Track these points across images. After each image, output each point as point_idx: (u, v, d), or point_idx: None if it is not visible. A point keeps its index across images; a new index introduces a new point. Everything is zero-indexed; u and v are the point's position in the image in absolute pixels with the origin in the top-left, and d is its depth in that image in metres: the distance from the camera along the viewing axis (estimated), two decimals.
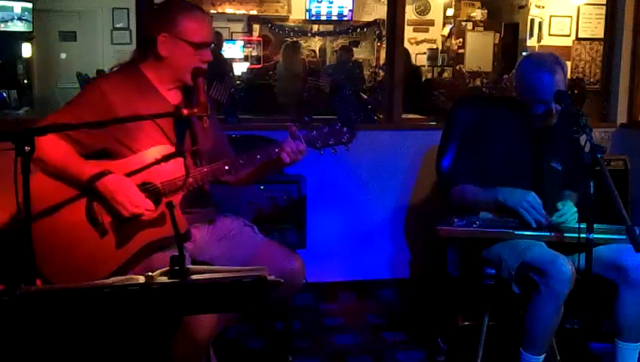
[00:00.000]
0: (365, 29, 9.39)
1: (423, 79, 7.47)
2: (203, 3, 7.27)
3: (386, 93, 3.83)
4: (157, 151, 2.07)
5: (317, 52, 9.44)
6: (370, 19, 9.32)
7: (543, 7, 8.09)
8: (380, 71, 7.56)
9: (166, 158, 2.07)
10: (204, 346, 2.04)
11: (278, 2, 9.26)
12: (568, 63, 7.43)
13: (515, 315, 2.53)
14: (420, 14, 9.33)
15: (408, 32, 8.80)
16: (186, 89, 2.18)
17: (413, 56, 7.90)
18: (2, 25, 6.59)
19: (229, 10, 8.92)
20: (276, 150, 2.08)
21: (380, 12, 8.86)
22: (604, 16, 4.19)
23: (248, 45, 8.56)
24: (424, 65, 8.69)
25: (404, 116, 3.95)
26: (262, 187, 2.89)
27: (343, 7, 9.19)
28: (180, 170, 2.05)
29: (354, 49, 8.59)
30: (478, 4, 9.36)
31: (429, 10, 9.32)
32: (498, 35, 9.01)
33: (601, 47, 4.61)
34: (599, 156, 2.06)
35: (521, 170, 2.58)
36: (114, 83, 2.11)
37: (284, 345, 2.89)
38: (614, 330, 2.41)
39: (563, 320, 2.31)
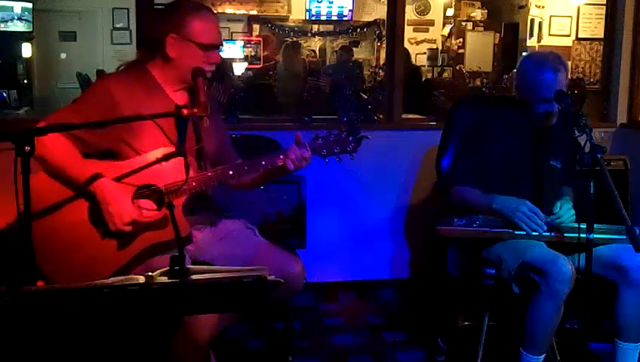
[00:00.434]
0: (365, 29, 9.39)
1: (423, 79, 7.47)
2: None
3: (386, 93, 3.84)
4: (161, 153, 2.07)
5: (317, 52, 9.44)
6: (370, 19, 9.32)
7: (543, 7, 8.09)
8: (380, 71, 7.55)
9: (169, 160, 2.06)
10: (204, 346, 2.04)
11: (278, 2, 9.26)
12: (568, 63, 7.45)
13: (515, 315, 2.53)
14: (420, 14, 9.32)
15: (408, 32, 8.80)
16: (192, 90, 2.18)
17: (413, 56, 7.90)
18: (2, 25, 6.59)
19: (229, 10, 8.92)
20: (281, 157, 2.07)
21: (380, 12, 8.86)
22: (604, 16, 4.19)
23: (248, 45, 8.56)
24: (424, 65, 8.69)
25: (404, 116, 3.95)
26: (262, 187, 2.89)
27: (343, 7, 9.19)
28: (185, 173, 2.05)
29: (354, 49, 8.58)
30: (478, 4, 9.36)
31: (429, 10, 9.32)
32: (498, 35, 9.01)
33: (601, 47, 4.60)
34: (599, 156, 2.06)
35: (521, 169, 2.59)
36: (121, 83, 2.11)
37: (284, 345, 2.89)
38: (614, 330, 2.41)
39: (563, 320, 2.32)
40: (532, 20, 8.21)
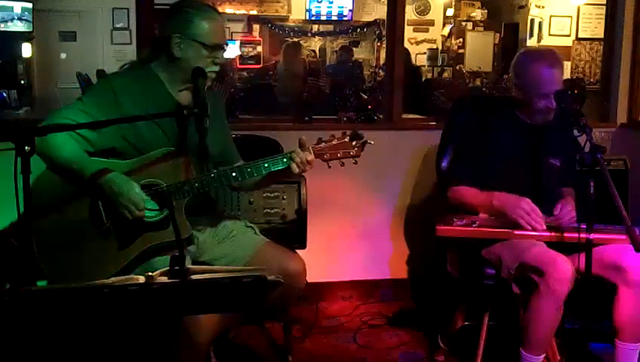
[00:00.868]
0: (365, 29, 9.39)
1: (423, 79, 7.46)
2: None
3: (386, 93, 3.83)
4: (163, 153, 2.07)
5: (317, 52, 9.44)
6: (370, 19, 9.32)
7: (543, 7, 8.09)
8: (380, 71, 7.55)
9: (172, 160, 2.06)
10: (204, 347, 2.04)
11: (278, 2, 9.26)
12: (568, 63, 7.46)
13: (515, 315, 2.53)
14: (420, 14, 9.33)
15: (408, 32, 8.80)
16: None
17: (413, 56, 7.90)
18: (2, 25, 6.59)
19: (229, 10, 8.92)
20: (284, 160, 2.06)
21: (380, 12, 8.87)
22: (604, 16, 4.19)
23: (247, 45, 8.59)
24: (424, 65, 8.69)
25: (404, 116, 3.94)
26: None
27: (343, 7, 9.20)
28: (186, 173, 2.05)
29: (354, 49, 8.59)
30: (478, 4, 9.36)
31: (429, 10, 9.33)
32: (498, 35, 9.01)
33: (601, 47, 4.61)
34: (599, 156, 2.06)
35: (520, 168, 2.59)
36: (125, 82, 2.12)
37: (284, 345, 2.89)
38: (614, 330, 2.41)
39: (563, 320, 2.31)
40: (532, 20, 8.22)
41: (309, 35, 9.56)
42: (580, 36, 7.60)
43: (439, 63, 9.00)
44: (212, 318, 1.97)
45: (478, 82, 8.19)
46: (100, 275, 1.95)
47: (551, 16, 7.94)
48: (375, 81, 7.40)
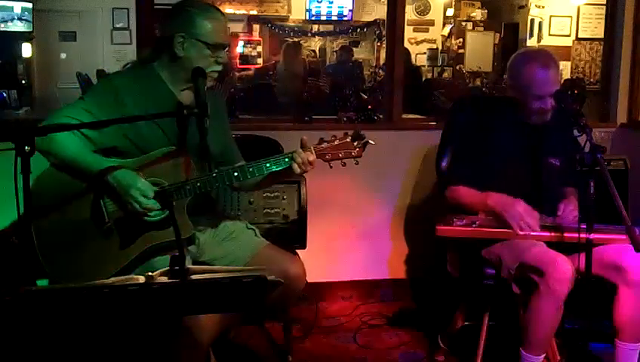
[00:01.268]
0: (365, 29, 9.39)
1: (423, 79, 7.47)
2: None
3: (386, 93, 3.83)
4: (165, 152, 2.07)
5: (317, 52, 9.44)
6: (370, 19, 9.32)
7: (543, 7, 8.09)
8: (380, 71, 7.55)
9: (173, 160, 2.06)
10: (204, 347, 2.04)
11: (278, 2, 9.26)
12: (568, 63, 7.46)
13: (515, 315, 2.53)
14: (420, 14, 9.33)
15: (408, 32, 8.80)
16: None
17: (413, 56, 7.90)
18: (2, 25, 6.59)
19: (229, 10, 8.92)
20: (286, 160, 2.06)
21: (380, 12, 8.87)
22: (604, 16, 4.19)
23: (247, 45, 8.60)
24: (424, 65, 8.69)
25: (404, 116, 3.94)
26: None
27: (343, 7, 9.20)
28: (188, 173, 2.05)
29: (354, 49, 8.59)
30: (478, 4, 9.36)
31: (429, 10, 9.33)
32: (498, 35, 9.01)
33: (601, 47, 4.60)
34: (599, 156, 2.06)
35: (520, 168, 2.59)
36: (127, 81, 2.12)
37: (284, 345, 2.89)
38: (614, 330, 2.41)
39: (563, 320, 2.31)
40: (532, 20, 8.22)
41: (309, 35, 9.56)
42: (579, 36, 7.60)
43: (439, 63, 9.00)
44: (212, 318, 1.97)
45: (478, 82, 8.19)
46: (100, 275, 1.95)
47: (551, 16, 7.94)
48: (375, 81, 7.40)
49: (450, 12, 9.40)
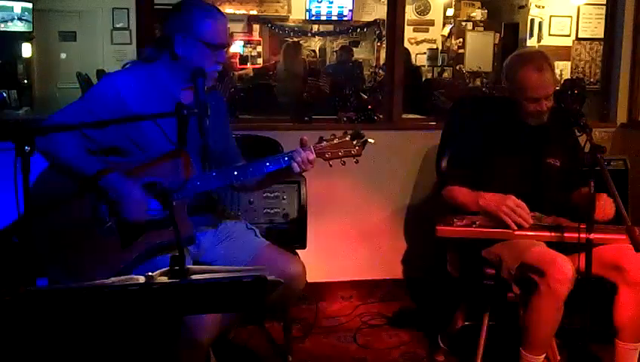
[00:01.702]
0: (365, 29, 9.39)
1: (423, 79, 7.46)
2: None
3: (386, 93, 3.83)
4: (165, 152, 2.07)
5: (317, 52, 9.44)
6: (370, 19, 9.32)
7: (543, 7, 8.09)
8: (380, 71, 7.55)
9: (174, 160, 2.06)
10: (204, 347, 2.04)
11: (278, 2, 9.26)
12: (568, 63, 7.46)
13: (515, 315, 2.53)
14: (420, 14, 9.32)
15: (408, 32, 8.79)
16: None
17: (413, 56, 7.90)
18: (2, 25, 6.59)
19: (229, 10, 8.92)
20: (286, 159, 2.06)
21: (380, 12, 8.86)
22: (604, 16, 4.19)
23: (247, 45, 8.60)
24: (424, 65, 8.69)
25: (404, 116, 3.94)
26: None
27: (343, 7, 9.19)
28: (188, 172, 2.05)
29: (354, 49, 8.58)
30: (478, 4, 9.36)
31: (429, 10, 9.32)
32: (498, 35, 9.01)
33: (601, 47, 4.60)
34: (599, 156, 2.06)
35: (519, 168, 2.59)
36: (127, 80, 2.12)
37: (284, 345, 2.89)
38: (614, 330, 2.41)
39: (563, 320, 2.31)
40: (532, 20, 8.21)
41: (309, 35, 9.56)
42: (580, 36, 7.59)
43: (439, 63, 9.00)
44: (212, 318, 1.97)
45: (478, 82, 8.19)
46: (100, 275, 1.95)
47: (551, 16, 7.93)
48: (375, 81, 7.40)
49: (450, 12, 9.40)
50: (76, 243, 2.04)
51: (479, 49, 8.96)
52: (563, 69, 7.28)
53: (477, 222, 2.44)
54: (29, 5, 6.76)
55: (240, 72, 7.84)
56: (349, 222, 3.61)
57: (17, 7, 6.67)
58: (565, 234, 2.34)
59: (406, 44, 6.20)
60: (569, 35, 7.71)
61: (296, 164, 2.05)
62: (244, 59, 8.55)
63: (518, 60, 2.55)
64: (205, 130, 2.00)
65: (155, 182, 2.04)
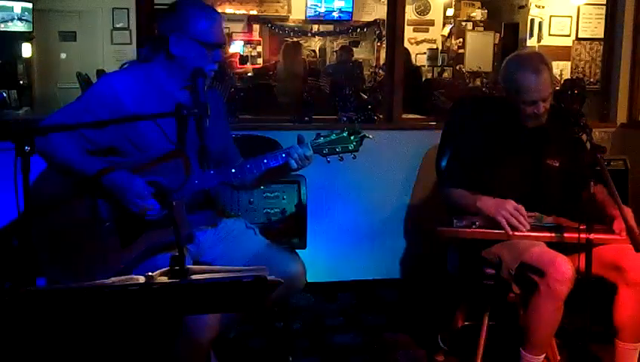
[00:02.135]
0: (365, 29, 9.39)
1: (423, 79, 7.46)
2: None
3: (386, 93, 3.84)
4: (163, 151, 2.07)
5: (317, 52, 9.44)
6: (370, 19, 9.32)
7: (543, 7, 8.08)
8: (380, 71, 7.55)
9: (172, 159, 2.06)
10: (204, 347, 2.04)
11: (278, 2, 9.26)
12: (568, 63, 7.46)
13: (515, 315, 2.53)
14: (420, 14, 9.32)
15: (408, 32, 8.79)
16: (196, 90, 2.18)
17: (413, 56, 7.89)
18: (2, 25, 6.59)
19: (229, 10, 8.92)
20: (283, 155, 2.07)
21: (380, 12, 8.86)
22: (604, 16, 4.19)
23: (247, 45, 8.61)
24: (424, 65, 8.68)
25: (404, 116, 3.95)
26: (262, 187, 2.90)
27: (343, 7, 9.20)
28: (186, 172, 2.05)
29: (354, 49, 8.58)
30: (478, 4, 9.36)
31: (429, 10, 9.32)
32: (498, 35, 9.01)
33: (601, 47, 4.60)
34: (599, 156, 2.06)
35: (519, 168, 2.59)
36: (125, 80, 2.12)
37: (284, 345, 2.89)
38: (614, 330, 2.41)
39: (563, 320, 2.32)
40: (532, 20, 8.21)
41: (309, 35, 9.56)
42: (580, 36, 7.59)
43: (439, 63, 9.00)
44: (212, 318, 1.97)
45: (478, 82, 8.18)
46: (100, 274, 1.96)
47: (551, 16, 7.93)
48: (375, 81, 7.40)
49: (450, 12, 9.40)
50: (76, 243, 2.04)
51: (479, 49, 8.96)
52: (563, 69, 7.28)
53: (477, 223, 2.44)
54: (29, 5, 6.75)
55: (239, 70, 7.85)
56: (349, 221, 3.61)
57: (17, 7, 6.67)
58: (565, 234, 2.34)
59: (406, 44, 6.20)
60: (569, 35, 7.71)
61: (293, 161, 2.05)
62: (244, 59, 8.55)
63: (515, 63, 2.54)
64: (205, 131, 2.00)
65: (154, 181, 2.04)
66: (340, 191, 3.53)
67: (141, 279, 1.44)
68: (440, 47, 9.35)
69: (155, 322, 1.88)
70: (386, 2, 3.80)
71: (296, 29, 9.40)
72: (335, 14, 9.21)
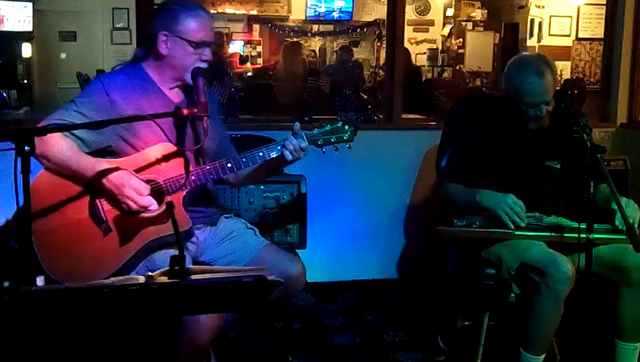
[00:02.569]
0: (365, 29, 9.39)
1: (423, 79, 7.46)
2: (203, 3, 7.27)
3: (386, 93, 3.84)
4: (159, 150, 2.07)
5: (317, 52, 9.45)
6: (370, 19, 9.33)
7: (543, 7, 8.09)
8: (380, 71, 7.55)
9: (168, 156, 2.07)
10: (204, 346, 2.04)
11: (278, 2, 9.26)
12: (568, 63, 7.46)
13: (515, 315, 2.53)
14: (420, 14, 9.33)
15: (408, 32, 8.80)
16: (188, 89, 2.19)
17: (413, 56, 7.90)
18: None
19: (229, 10, 8.93)
20: (278, 147, 2.08)
21: (380, 12, 8.86)
22: (604, 16, 4.19)
23: (247, 45, 8.62)
24: (424, 65, 8.69)
25: (404, 116, 3.95)
26: (262, 187, 2.90)
27: (343, 7, 9.20)
28: (183, 170, 2.06)
29: (354, 49, 8.59)
30: (478, 4, 9.36)
31: (429, 10, 9.33)
32: (498, 35, 9.01)
33: (601, 47, 4.60)
34: (599, 156, 2.06)
35: (519, 169, 2.59)
36: (116, 81, 2.12)
37: (284, 345, 2.89)
38: (614, 330, 2.41)
39: (563, 320, 2.32)
40: (532, 20, 8.21)
41: (309, 35, 9.56)
42: (580, 36, 7.60)
43: (439, 63, 9.00)
44: (212, 318, 1.97)
45: (478, 82, 8.19)
46: (100, 273, 1.96)
47: (551, 16, 7.94)
48: (375, 81, 7.41)
49: (450, 12, 9.40)
50: (75, 242, 2.04)
51: (479, 49, 8.96)
52: (563, 69, 7.28)
53: (477, 223, 2.44)
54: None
55: (239, 70, 7.85)
56: (349, 222, 3.62)
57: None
58: (565, 234, 2.34)
59: (406, 44, 6.21)
60: (569, 35, 7.72)
61: (288, 152, 2.06)
62: (244, 59, 8.56)
63: (518, 66, 2.53)
64: (204, 130, 2.00)
65: (152, 180, 2.04)
66: (340, 191, 3.53)
67: (141, 279, 1.44)
68: (440, 47, 9.36)
69: (154, 322, 1.88)
70: (386, 2, 3.80)
71: (296, 29, 9.41)
72: (335, 14, 9.22)
